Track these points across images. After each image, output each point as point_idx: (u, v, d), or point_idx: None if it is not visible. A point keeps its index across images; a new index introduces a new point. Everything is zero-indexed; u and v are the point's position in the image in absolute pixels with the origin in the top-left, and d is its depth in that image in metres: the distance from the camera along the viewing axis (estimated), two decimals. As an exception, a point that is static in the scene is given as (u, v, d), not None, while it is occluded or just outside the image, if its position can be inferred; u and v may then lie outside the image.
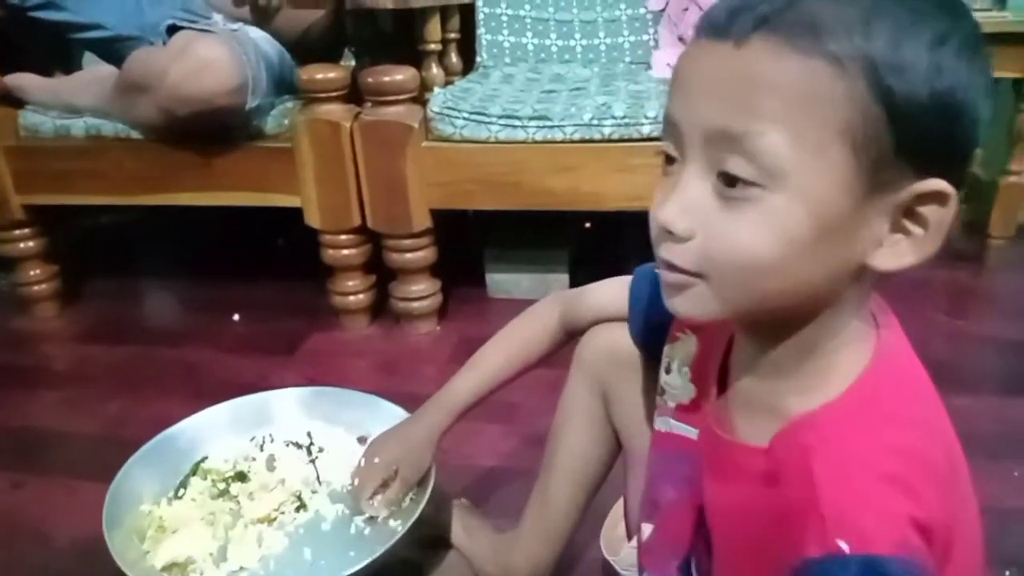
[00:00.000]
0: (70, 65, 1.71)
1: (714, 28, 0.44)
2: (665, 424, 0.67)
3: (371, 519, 0.84)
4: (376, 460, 0.84)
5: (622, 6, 1.77)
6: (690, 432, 0.63)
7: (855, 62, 0.41)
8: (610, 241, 1.79)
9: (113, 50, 1.55)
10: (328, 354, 1.52)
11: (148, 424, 0.99)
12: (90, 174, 1.51)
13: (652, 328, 0.70)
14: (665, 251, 0.48)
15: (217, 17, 1.49)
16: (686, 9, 1.67)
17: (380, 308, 1.61)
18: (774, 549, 0.47)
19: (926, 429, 0.49)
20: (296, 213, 1.49)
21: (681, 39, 1.68)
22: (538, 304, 0.85)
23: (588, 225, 1.81)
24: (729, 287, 0.47)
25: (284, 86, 1.52)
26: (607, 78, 1.58)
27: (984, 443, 1.17)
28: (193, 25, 1.40)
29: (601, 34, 1.76)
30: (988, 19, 1.73)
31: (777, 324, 0.50)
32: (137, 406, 1.33)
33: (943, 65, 0.42)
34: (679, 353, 0.65)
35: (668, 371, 0.67)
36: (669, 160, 0.49)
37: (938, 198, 0.44)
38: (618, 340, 0.75)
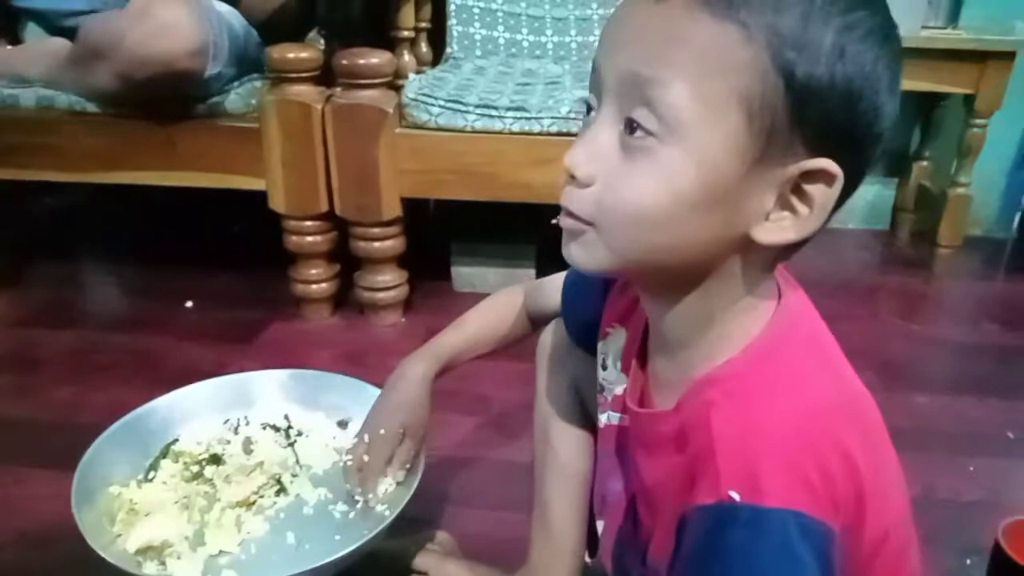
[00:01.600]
0: (14, 37, 1.63)
1: None
2: (606, 417, 0.67)
3: (343, 498, 0.81)
4: (382, 431, 0.79)
5: (594, 5, 1.78)
6: (624, 420, 0.63)
7: (762, 32, 0.43)
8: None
9: (63, 24, 1.47)
10: (289, 344, 1.47)
11: (102, 411, 0.94)
12: (40, 149, 1.43)
13: (587, 326, 0.70)
14: (566, 196, 0.49)
15: None
16: (657, 11, 1.69)
17: (343, 298, 1.57)
18: (683, 507, 0.48)
19: (829, 385, 0.51)
20: (256, 197, 1.44)
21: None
22: (503, 290, 0.85)
23: (555, 221, 1.80)
24: (618, 236, 0.48)
25: (249, 63, 1.47)
26: (580, 75, 1.58)
27: (941, 440, 1.22)
28: None
29: (572, 32, 1.77)
30: (941, 36, 1.80)
31: (668, 287, 0.51)
32: (89, 393, 1.27)
33: (847, 50, 0.43)
34: (611, 348, 0.66)
35: (604, 367, 0.67)
36: (588, 110, 0.50)
37: (825, 177, 0.45)
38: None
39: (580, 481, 0.79)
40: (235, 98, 1.41)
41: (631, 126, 0.46)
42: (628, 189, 0.46)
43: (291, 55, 1.36)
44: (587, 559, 0.82)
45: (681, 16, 0.44)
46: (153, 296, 1.62)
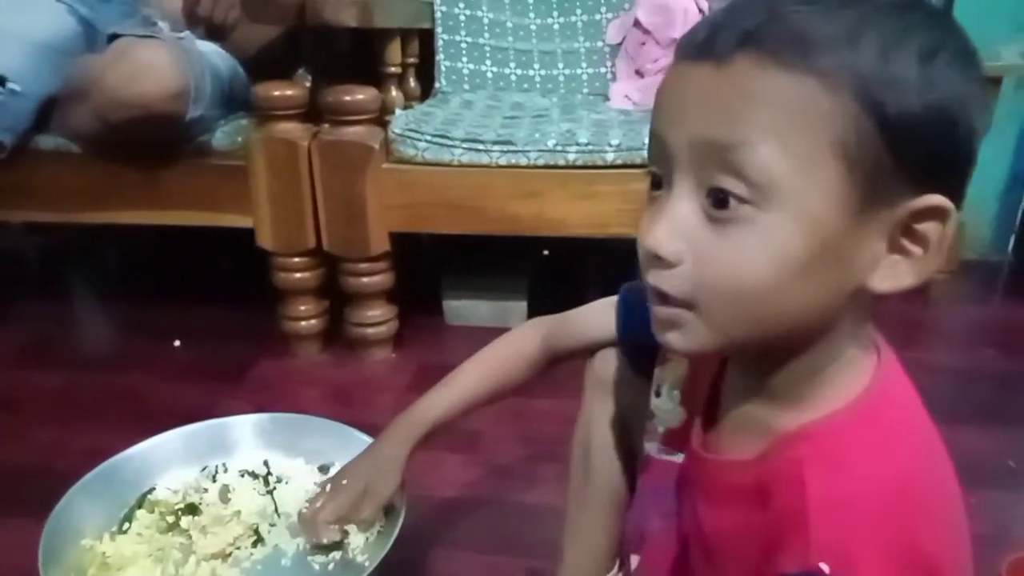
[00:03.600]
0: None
1: (696, 48, 0.44)
2: (654, 449, 0.64)
3: (324, 549, 0.78)
4: (344, 482, 0.78)
5: (580, 38, 1.78)
6: (677, 458, 0.61)
7: (843, 77, 0.41)
8: (569, 269, 1.78)
9: None
10: (278, 382, 1.45)
11: (84, 455, 0.92)
12: (23, 189, 1.42)
13: (643, 349, 0.67)
14: (654, 278, 0.46)
15: (163, 25, 1.43)
16: (643, 43, 1.69)
17: (332, 334, 1.55)
18: (761, 563, 0.45)
19: (926, 455, 0.48)
20: (242, 234, 1.43)
21: (638, 72, 1.69)
22: (516, 329, 0.82)
23: (547, 253, 1.79)
24: (723, 314, 0.45)
25: (235, 102, 1.47)
26: (567, 108, 1.58)
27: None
28: (135, 32, 1.34)
29: (560, 65, 1.77)
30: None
31: (773, 352, 0.48)
32: (71, 435, 1.24)
33: (935, 78, 0.41)
34: (669, 375, 0.63)
35: (658, 394, 0.65)
36: (655, 185, 0.47)
37: (937, 214, 0.43)
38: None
39: (618, 508, 0.77)
40: (221, 136, 1.41)
41: (718, 197, 0.43)
42: (727, 263, 0.43)
43: (277, 93, 1.36)
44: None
45: (750, 75, 0.42)
46: (140, 334, 1.60)
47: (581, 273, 1.75)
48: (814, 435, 0.46)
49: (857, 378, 0.48)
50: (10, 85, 1.31)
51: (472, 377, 0.79)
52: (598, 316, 0.74)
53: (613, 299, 0.74)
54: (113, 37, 1.34)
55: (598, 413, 0.77)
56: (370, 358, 1.51)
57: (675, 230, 0.44)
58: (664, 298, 0.46)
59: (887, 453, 0.45)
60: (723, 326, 0.45)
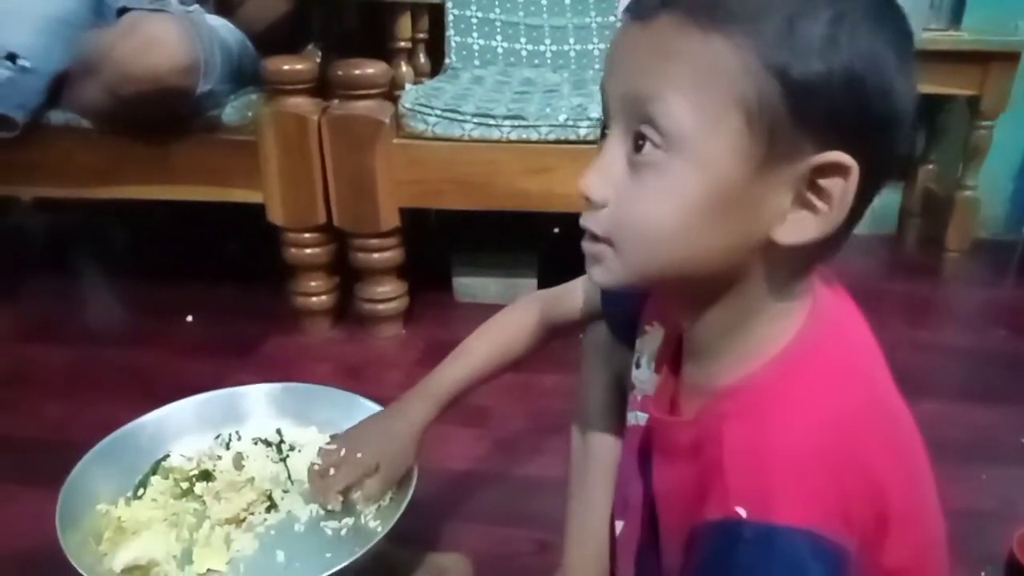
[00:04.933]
0: None
1: (630, 10, 0.48)
2: (634, 417, 0.66)
3: (333, 514, 0.78)
4: (358, 455, 0.78)
5: (592, 13, 1.77)
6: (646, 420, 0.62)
7: (749, 39, 0.43)
8: (578, 246, 1.77)
9: None
10: (288, 358, 1.46)
11: (95, 428, 0.92)
12: (34, 165, 1.42)
13: (625, 321, 0.69)
14: (584, 217, 0.50)
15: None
16: (656, 18, 1.68)
17: (343, 310, 1.55)
18: (693, 519, 0.47)
19: (858, 399, 0.49)
20: (253, 209, 1.43)
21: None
22: (516, 304, 0.83)
23: (557, 230, 1.79)
24: (634, 252, 0.48)
25: (244, 77, 1.47)
26: (578, 83, 1.57)
27: (951, 448, 1.18)
28: (144, 6, 1.34)
29: (571, 40, 1.76)
30: (943, 37, 1.78)
31: (692, 297, 0.51)
32: (82, 409, 1.25)
33: (840, 39, 0.42)
34: (648, 347, 0.65)
35: (638, 365, 0.66)
36: (603, 134, 0.51)
37: (839, 170, 0.44)
38: None
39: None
40: (231, 111, 1.40)
41: (637, 142, 0.46)
42: (638, 205, 0.47)
43: (287, 67, 1.35)
44: None
45: (669, 34, 0.45)
46: (150, 311, 1.61)
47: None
48: (737, 390, 0.49)
49: (782, 332, 0.50)
50: (21, 62, 1.31)
51: (479, 352, 0.80)
52: (588, 289, 0.75)
53: None
54: (123, 11, 1.33)
55: (591, 384, 0.79)
56: (380, 334, 1.51)
57: (604, 175, 0.48)
58: (593, 237, 0.50)
59: (810, 399, 0.47)
60: (635, 263, 0.48)
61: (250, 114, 1.40)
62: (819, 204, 0.45)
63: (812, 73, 0.42)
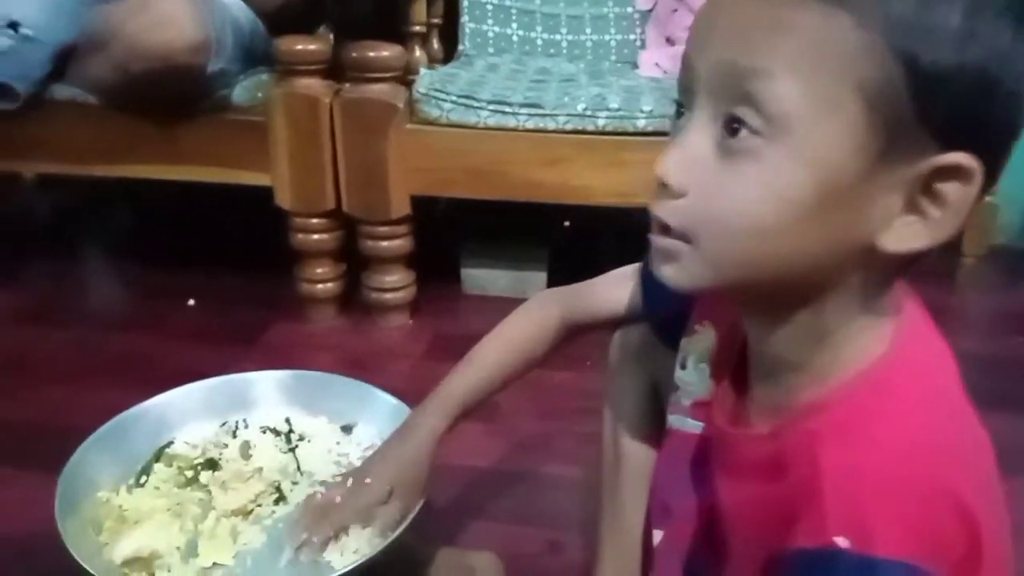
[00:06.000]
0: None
1: None
2: (679, 422, 0.62)
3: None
4: (367, 480, 0.71)
5: (609, 3, 1.73)
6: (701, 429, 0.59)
7: (878, 17, 0.38)
8: (590, 240, 1.74)
9: None
10: (292, 346, 1.43)
11: (94, 413, 0.89)
12: (38, 140, 1.39)
13: (669, 320, 0.65)
14: (658, 207, 0.45)
15: None
16: (675, 10, 1.65)
17: (349, 299, 1.52)
18: (776, 538, 0.43)
19: (951, 423, 0.45)
20: (260, 193, 1.40)
21: (669, 39, 1.65)
22: (531, 302, 0.78)
23: (567, 223, 1.76)
24: (719, 250, 0.43)
25: (255, 56, 1.43)
26: (595, 74, 1.54)
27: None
28: None
29: (588, 30, 1.72)
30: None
31: (776, 306, 0.46)
32: (81, 394, 1.21)
33: (979, 31, 0.38)
34: (696, 347, 0.61)
35: (683, 366, 0.62)
36: (679, 113, 0.46)
37: (961, 174, 0.40)
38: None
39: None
40: (241, 91, 1.37)
41: (731, 125, 0.41)
42: (730, 197, 0.42)
43: (299, 47, 1.32)
44: None
45: (785, 4, 0.40)
46: (153, 294, 1.57)
47: (602, 244, 1.72)
48: (827, 406, 0.45)
49: (871, 346, 0.45)
50: (23, 30, 1.27)
51: (491, 358, 0.75)
52: (616, 286, 0.72)
53: (630, 268, 0.71)
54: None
55: (624, 388, 0.75)
56: (386, 324, 1.48)
57: (685, 160, 0.43)
58: (665, 229, 0.45)
59: (903, 422, 0.43)
60: (718, 262, 0.44)
61: (260, 95, 1.36)
62: (931, 210, 0.41)
63: (944, 63, 0.38)
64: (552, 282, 1.56)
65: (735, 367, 0.54)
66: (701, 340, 0.60)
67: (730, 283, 0.45)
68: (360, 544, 0.68)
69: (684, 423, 0.61)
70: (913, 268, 0.46)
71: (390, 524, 0.70)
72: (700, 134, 0.43)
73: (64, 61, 1.34)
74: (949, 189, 0.40)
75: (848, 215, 0.41)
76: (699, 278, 0.45)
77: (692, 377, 0.61)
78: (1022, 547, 0.80)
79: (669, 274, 0.46)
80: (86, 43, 1.29)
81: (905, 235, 0.42)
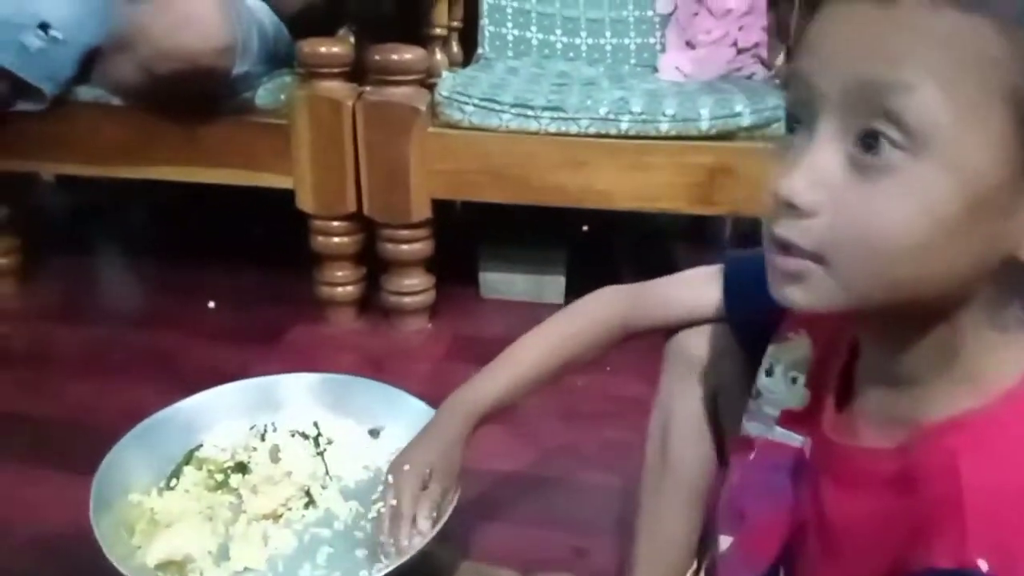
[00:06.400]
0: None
1: None
2: (762, 430, 0.61)
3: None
4: (406, 467, 0.72)
5: (629, 6, 1.73)
6: (795, 440, 0.57)
7: (1021, 22, 0.37)
8: (608, 245, 1.74)
9: None
10: (312, 347, 1.43)
11: (119, 411, 0.90)
12: (61, 140, 1.40)
13: (754, 325, 0.63)
14: (783, 228, 0.42)
15: None
16: (696, 13, 1.64)
17: (368, 302, 1.52)
18: (900, 555, 0.42)
19: None
20: (282, 195, 1.40)
21: (689, 43, 1.65)
22: (590, 298, 0.76)
23: (586, 228, 1.75)
24: (856, 271, 0.41)
25: (277, 59, 1.44)
26: (615, 77, 1.54)
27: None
28: None
29: (607, 33, 1.72)
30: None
31: (905, 322, 0.44)
32: (106, 391, 1.22)
33: None
34: (787, 356, 0.59)
35: (770, 374, 0.61)
36: (790, 128, 0.44)
37: None
38: (727, 338, 0.68)
39: (698, 496, 0.73)
40: (264, 93, 1.37)
41: (868, 142, 0.39)
42: (874, 216, 0.40)
43: (323, 50, 1.32)
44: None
45: (919, 14, 0.38)
46: (173, 294, 1.58)
47: (620, 249, 1.71)
48: (968, 425, 0.43)
49: (1007, 363, 0.44)
50: (52, 32, 1.28)
51: (539, 353, 0.74)
52: (694, 287, 0.70)
53: (710, 269, 0.70)
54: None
55: (680, 394, 0.72)
56: (405, 327, 1.48)
57: (815, 178, 0.41)
58: (788, 249, 0.43)
59: None
60: (854, 284, 0.42)
61: (283, 97, 1.37)
62: None
63: None
64: (570, 286, 1.56)
65: (841, 374, 0.53)
66: (795, 348, 0.59)
67: (866, 303, 0.43)
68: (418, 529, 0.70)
69: (771, 431, 0.59)
70: None
71: (434, 505, 0.71)
72: (828, 151, 0.41)
73: (90, 63, 1.34)
74: None
75: (993, 228, 0.40)
76: (831, 300, 0.43)
77: (779, 386, 0.59)
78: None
79: (797, 296, 0.44)
80: (111, 43, 1.30)
81: None
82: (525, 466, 1.12)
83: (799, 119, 0.43)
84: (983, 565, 0.37)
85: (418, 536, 0.69)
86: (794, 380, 0.58)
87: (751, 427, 0.61)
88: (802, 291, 0.43)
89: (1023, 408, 0.43)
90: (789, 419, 0.58)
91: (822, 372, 0.56)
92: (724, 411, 0.70)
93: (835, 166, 0.41)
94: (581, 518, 1.01)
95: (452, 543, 0.87)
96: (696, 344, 0.71)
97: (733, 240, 1.81)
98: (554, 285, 1.56)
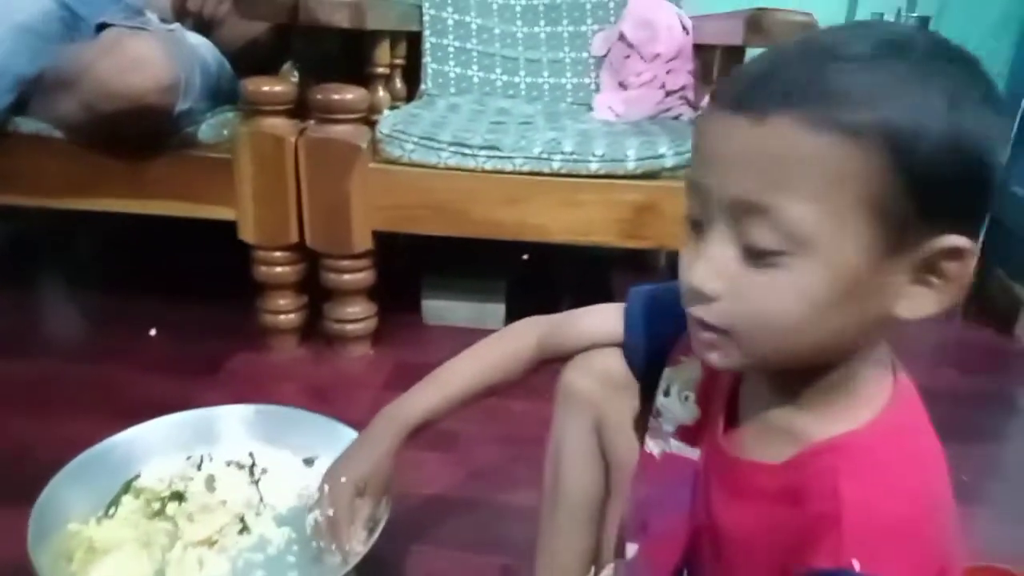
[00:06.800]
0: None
1: (735, 101, 0.46)
2: (661, 446, 0.67)
3: (304, 539, 0.79)
4: (342, 479, 0.79)
5: (566, 48, 1.81)
6: (691, 453, 0.63)
7: (876, 137, 0.43)
8: (547, 273, 1.80)
9: None
10: (254, 376, 1.45)
11: (61, 444, 0.91)
12: (3, 173, 1.40)
13: (650, 352, 0.70)
14: (696, 310, 0.50)
15: (152, 15, 1.43)
16: (627, 56, 1.73)
17: (310, 330, 1.56)
18: (784, 560, 0.48)
19: (942, 470, 0.51)
20: (221, 225, 1.43)
21: (622, 84, 1.73)
22: (512, 328, 0.83)
23: (526, 256, 1.82)
24: (755, 342, 0.49)
25: (221, 95, 1.47)
26: (552, 116, 1.61)
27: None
28: (125, 23, 1.34)
29: (545, 73, 1.80)
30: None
31: (799, 370, 0.51)
32: (46, 425, 1.23)
33: (961, 127, 0.43)
34: (680, 376, 0.66)
35: (667, 394, 0.67)
36: (695, 224, 0.50)
37: (957, 254, 0.46)
38: (611, 364, 0.74)
39: (588, 517, 0.79)
40: (207, 128, 1.41)
41: (754, 250, 0.46)
42: (761, 301, 0.47)
43: (266, 88, 1.36)
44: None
45: (787, 135, 0.44)
46: (115, 325, 1.59)
47: (559, 277, 1.78)
48: (846, 447, 0.49)
49: (878, 395, 0.51)
50: None
51: (465, 374, 0.80)
52: (605, 319, 0.75)
53: (610, 307, 0.76)
54: (102, 26, 1.33)
55: (567, 423, 0.78)
56: (348, 354, 1.52)
57: (714, 270, 0.48)
58: (704, 325, 0.50)
59: (912, 467, 0.49)
60: (756, 351, 0.50)
61: (226, 132, 1.40)
62: (936, 281, 0.46)
63: (937, 163, 0.43)
64: (510, 312, 1.62)
65: (728, 397, 0.59)
66: (686, 370, 0.66)
67: (768, 362, 0.51)
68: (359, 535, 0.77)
69: (668, 445, 0.65)
70: None
71: (368, 516, 0.78)
72: (724, 246, 0.48)
73: (27, 94, 1.36)
74: (950, 267, 0.46)
75: (866, 300, 0.47)
76: (740, 362, 0.51)
77: (675, 404, 0.66)
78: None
79: (714, 359, 0.51)
80: (53, 80, 1.32)
81: (916, 305, 0.47)
82: (458, 490, 1.16)
83: (700, 221, 0.49)
84: (856, 564, 0.44)
85: (359, 543, 0.75)
86: (687, 398, 0.65)
87: (652, 444, 0.67)
88: (717, 356, 0.51)
89: (889, 431, 0.50)
90: (684, 434, 0.64)
91: (710, 390, 0.62)
92: (608, 436, 0.76)
93: (731, 260, 0.48)
94: (511, 539, 1.05)
95: (380, 567, 0.91)
96: (576, 378, 0.76)
97: (668, 268, 1.89)
98: (495, 312, 1.62)
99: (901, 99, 0.43)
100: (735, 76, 0.48)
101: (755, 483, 0.54)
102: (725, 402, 0.60)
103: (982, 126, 0.44)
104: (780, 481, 0.51)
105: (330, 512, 0.76)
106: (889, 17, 2.06)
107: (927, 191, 0.44)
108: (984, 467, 1.34)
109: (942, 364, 1.68)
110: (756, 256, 0.46)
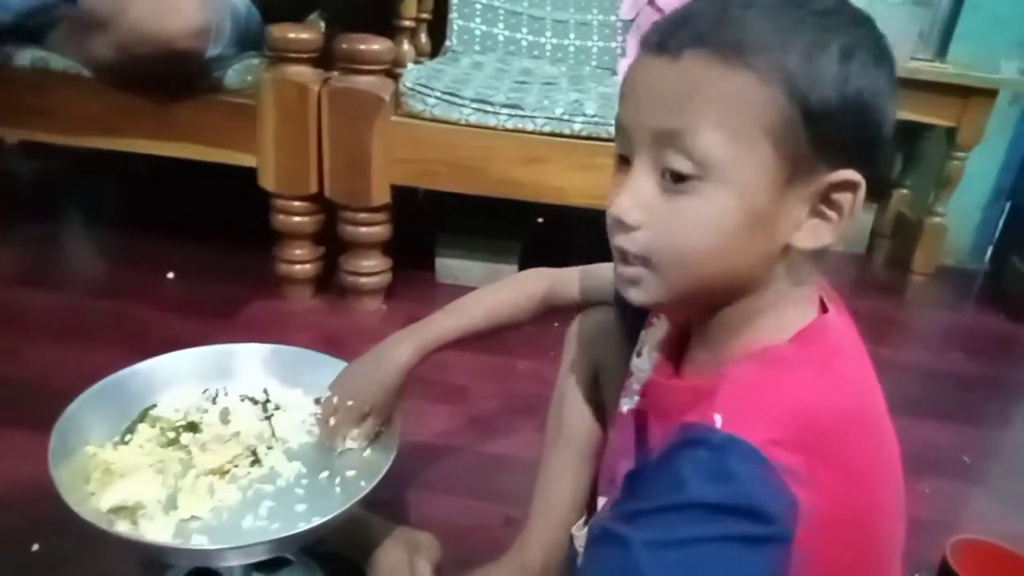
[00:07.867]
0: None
1: (655, 44, 0.51)
2: (629, 403, 0.70)
3: (315, 472, 0.82)
4: (349, 403, 0.83)
5: (594, 11, 1.80)
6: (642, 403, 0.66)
7: (774, 73, 0.48)
8: (560, 237, 1.81)
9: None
10: (268, 323, 1.48)
11: (80, 375, 0.93)
12: (33, 110, 1.42)
13: (636, 314, 0.73)
14: (618, 239, 0.54)
15: None
16: (656, 21, 1.71)
17: (325, 281, 1.58)
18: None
19: (850, 399, 0.52)
20: (244, 173, 1.44)
21: (648, 50, 1.72)
22: (525, 274, 0.88)
23: (541, 220, 1.82)
24: (672, 270, 0.53)
25: (248, 42, 1.48)
26: (575, 79, 1.61)
27: (898, 460, 1.25)
28: None
29: (571, 35, 1.79)
30: (928, 68, 1.85)
31: (712, 301, 0.55)
32: (67, 356, 1.26)
33: (851, 74, 0.49)
34: (651, 338, 0.69)
35: (639, 354, 0.71)
36: (622, 160, 0.55)
37: (849, 186, 0.51)
38: (607, 320, 0.79)
39: (585, 459, 0.84)
40: (232, 74, 1.41)
41: (671, 174, 0.50)
42: (677, 229, 0.51)
43: (292, 35, 1.37)
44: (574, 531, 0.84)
45: (698, 70, 0.49)
46: (135, 265, 1.62)
47: (572, 242, 1.79)
48: (759, 353, 0.53)
49: (795, 321, 0.54)
50: None
51: (478, 309, 0.85)
52: (602, 276, 0.80)
53: (609, 265, 0.78)
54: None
55: (573, 367, 0.84)
56: (361, 307, 1.54)
57: (636, 200, 0.52)
58: (625, 257, 0.54)
59: (813, 374, 0.51)
60: (673, 282, 0.53)
61: (251, 79, 1.41)
62: (831, 214, 0.51)
63: (829, 101, 0.48)
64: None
65: (676, 343, 0.63)
66: (656, 332, 0.69)
67: (684, 295, 0.54)
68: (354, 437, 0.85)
69: (634, 402, 0.69)
70: (825, 257, 0.55)
71: (369, 435, 0.85)
72: (645, 179, 0.52)
73: (35, 28, 1.35)
74: (843, 198, 0.51)
75: (768, 228, 0.51)
76: (659, 296, 0.54)
77: (645, 364, 0.69)
78: (943, 541, 0.89)
79: (633, 295, 0.55)
80: (83, 20, 1.32)
81: (813, 235, 0.52)
82: (464, 442, 1.19)
83: (625, 156, 0.54)
84: (717, 420, 0.47)
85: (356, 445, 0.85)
86: (653, 357, 0.67)
87: (624, 402, 0.71)
88: (637, 291, 0.55)
89: (789, 349, 0.53)
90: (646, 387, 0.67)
91: (667, 342, 0.65)
92: (605, 386, 0.81)
93: (651, 190, 0.52)
94: (512, 489, 1.07)
95: (387, 509, 0.94)
96: (583, 330, 0.83)
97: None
98: (508, 273, 1.60)
99: (799, 42, 0.48)
100: (656, 24, 0.53)
101: (671, 402, 0.57)
102: (671, 349, 0.63)
103: (870, 77, 0.50)
104: (688, 395, 0.54)
105: (332, 421, 0.84)
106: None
107: (819, 126, 0.49)
108: (986, 449, 1.35)
109: (952, 348, 1.68)
110: (674, 182, 0.50)
